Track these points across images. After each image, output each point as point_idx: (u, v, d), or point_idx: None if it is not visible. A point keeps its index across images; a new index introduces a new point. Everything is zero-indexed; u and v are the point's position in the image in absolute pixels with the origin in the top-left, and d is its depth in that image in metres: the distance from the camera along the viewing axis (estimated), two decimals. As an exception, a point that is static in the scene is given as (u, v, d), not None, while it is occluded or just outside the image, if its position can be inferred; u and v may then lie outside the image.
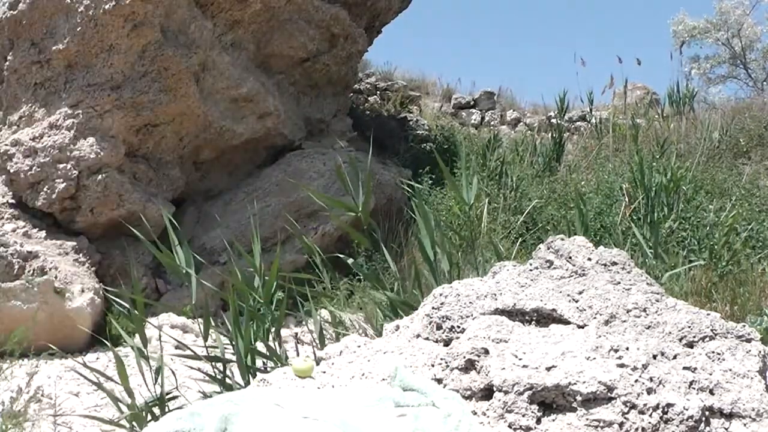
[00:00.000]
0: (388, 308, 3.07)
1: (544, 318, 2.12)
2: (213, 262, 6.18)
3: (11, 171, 5.54)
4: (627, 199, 5.15)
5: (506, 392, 1.78)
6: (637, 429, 1.70)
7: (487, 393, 1.83)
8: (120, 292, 3.39)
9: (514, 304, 2.14)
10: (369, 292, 3.53)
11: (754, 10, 14.61)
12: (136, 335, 2.77)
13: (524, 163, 8.06)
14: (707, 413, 1.75)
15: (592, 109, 11.18)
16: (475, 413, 1.79)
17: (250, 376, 2.70)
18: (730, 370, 1.86)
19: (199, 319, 4.24)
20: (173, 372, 2.91)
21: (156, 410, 2.62)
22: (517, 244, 5.09)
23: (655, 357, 1.86)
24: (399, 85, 12.12)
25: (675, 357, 1.89)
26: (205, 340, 2.83)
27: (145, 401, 2.59)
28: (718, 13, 14.81)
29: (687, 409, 1.72)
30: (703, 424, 1.73)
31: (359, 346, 2.17)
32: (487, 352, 1.90)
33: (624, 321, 2.05)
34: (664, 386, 1.78)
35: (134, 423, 2.58)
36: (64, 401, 3.98)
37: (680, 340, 1.99)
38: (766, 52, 14.51)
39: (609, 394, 1.75)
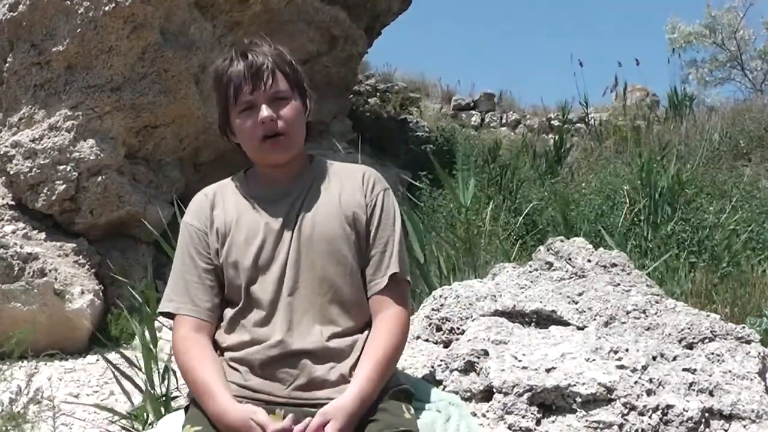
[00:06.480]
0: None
1: (543, 319, 2.12)
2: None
3: (11, 173, 5.53)
4: (628, 201, 5.14)
5: (506, 394, 1.78)
6: (636, 430, 1.70)
7: (487, 394, 1.83)
8: (129, 284, 3.38)
9: (514, 305, 2.14)
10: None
11: (747, 14, 14.63)
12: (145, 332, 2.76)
13: (525, 165, 8.05)
14: (707, 415, 1.75)
15: (591, 111, 11.19)
16: (475, 415, 1.79)
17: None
18: (730, 371, 1.86)
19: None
20: (174, 372, 2.90)
21: (161, 409, 2.62)
22: (517, 245, 5.08)
23: (654, 358, 1.86)
24: (399, 87, 12.09)
25: (675, 358, 1.89)
26: None
27: (153, 395, 2.58)
28: (708, 17, 14.83)
29: (686, 411, 1.72)
30: (702, 426, 1.73)
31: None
32: (486, 353, 1.90)
33: (624, 322, 2.05)
34: (663, 388, 1.78)
35: (136, 423, 2.58)
36: (63, 403, 3.97)
37: (680, 341, 1.99)
38: (764, 54, 14.51)
39: (609, 395, 1.75)
